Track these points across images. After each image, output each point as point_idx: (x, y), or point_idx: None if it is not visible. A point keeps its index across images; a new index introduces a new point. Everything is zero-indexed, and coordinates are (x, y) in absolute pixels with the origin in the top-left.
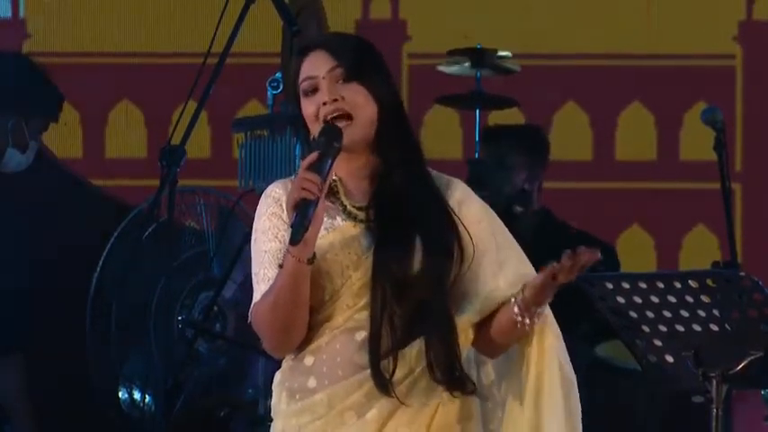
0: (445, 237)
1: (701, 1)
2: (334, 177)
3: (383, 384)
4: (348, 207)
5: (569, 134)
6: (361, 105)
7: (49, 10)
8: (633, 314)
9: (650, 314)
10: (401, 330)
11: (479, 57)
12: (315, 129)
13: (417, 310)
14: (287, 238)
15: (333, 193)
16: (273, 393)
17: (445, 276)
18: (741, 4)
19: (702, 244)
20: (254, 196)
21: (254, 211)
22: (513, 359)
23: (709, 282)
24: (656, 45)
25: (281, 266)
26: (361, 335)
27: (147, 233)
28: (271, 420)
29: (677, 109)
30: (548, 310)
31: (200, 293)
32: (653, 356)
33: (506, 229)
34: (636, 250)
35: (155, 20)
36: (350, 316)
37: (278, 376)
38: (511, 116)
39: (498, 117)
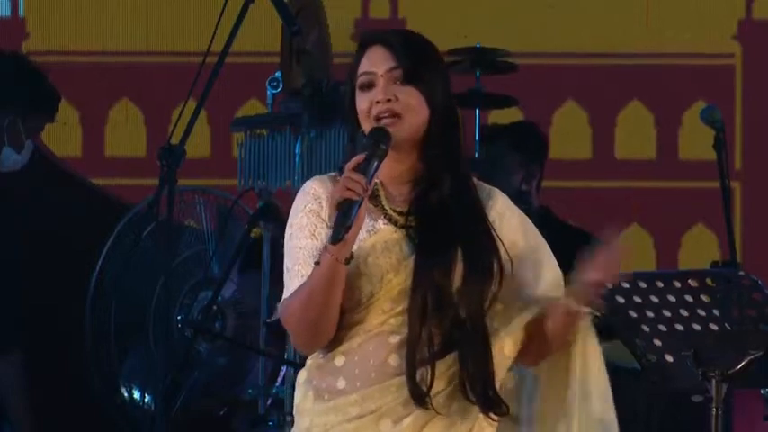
0: (487, 253)
1: (700, 0)
2: (375, 180)
3: (419, 395)
4: (389, 212)
5: (569, 133)
6: (414, 109)
7: (49, 9)
8: (633, 314)
9: (650, 313)
10: (438, 341)
11: (479, 56)
12: (365, 124)
13: (455, 323)
14: (323, 237)
15: (374, 197)
16: (297, 391)
17: (485, 293)
18: (740, 3)
19: (702, 243)
20: (253, 195)
21: (254, 211)
22: (553, 380)
23: (708, 281)
24: (655, 44)
25: (317, 263)
26: (396, 338)
27: (146, 232)
28: (271, 420)
29: (676, 108)
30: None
31: (200, 293)
32: (653, 356)
33: (545, 243)
34: (635, 249)
35: (154, 19)
36: (385, 320)
37: (303, 374)
38: (510, 115)
39: (498, 116)
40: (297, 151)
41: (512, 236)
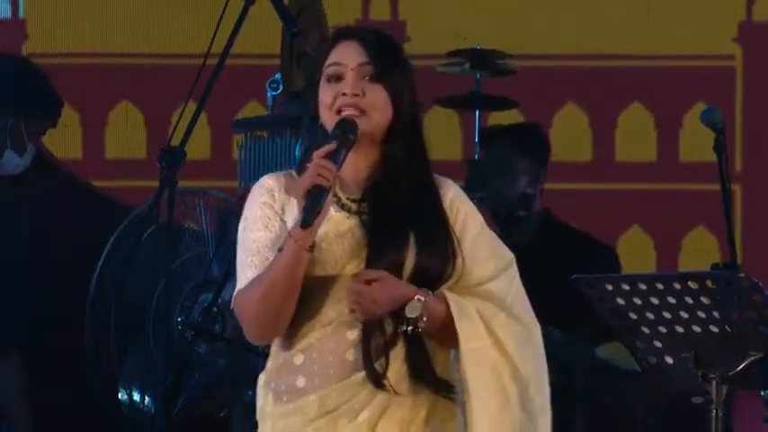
0: (440, 240)
1: (700, 2)
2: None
3: (376, 378)
4: (342, 199)
5: (569, 135)
6: (379, 107)
7: (49, 11)
8: (633, 315)
9: (650, 315)
10: (391, 328)
11: (479, 58)
12: (325, 115)
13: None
14: (277, 228)
15: None
16: (258, 396)
17: (436, 278)
18: (741, 4)
19: (702, 245)
20: None
21: None
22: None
23: (708, 283)
24: (655, 46)
25: (280, 250)
26: (353, 334)
27: (146, 234)
28: None
29: (677, 110)
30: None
31: (200, 295)
32: (653, 358)
33: (490, 239)
34: (635, 251)
35: (154, 21)
36: (341, 310)
37: (262, 378)
38: (510, 117)
39: (498, 118)
40: (297, 153)
41: (462, 224)
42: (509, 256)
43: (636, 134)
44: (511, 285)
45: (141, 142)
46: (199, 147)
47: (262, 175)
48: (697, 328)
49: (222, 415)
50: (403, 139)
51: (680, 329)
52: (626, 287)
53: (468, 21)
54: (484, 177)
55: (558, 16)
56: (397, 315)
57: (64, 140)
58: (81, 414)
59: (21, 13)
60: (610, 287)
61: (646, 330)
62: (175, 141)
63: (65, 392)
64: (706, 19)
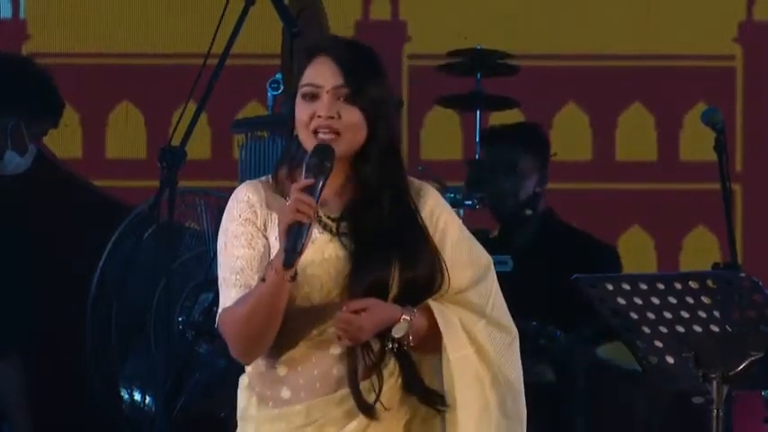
0: (423, 256)
1: (700, 2)
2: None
3: (366, 407)
4: (323, 218)
5: (569, 135)
6: (354, 128)
7: (50, 11)
8: (634, 315)
9: (651, 315)
10: (378, 348)
11: (479, 58)
12: (302, 133)
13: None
14: (260, 246)
15: None
16: (240, 396)
17: (422, 293)
18: (741, 4)
19: (703, 245)
20: None
21: None
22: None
23: (709, 283)
24: (655, 46)
25: (263, 280)
26: (337, 350)
27: (147, 234)
28: None
29: (677, 110)
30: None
31: (201, 295)
32: (654, 357)
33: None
34: (636, 251)
35: (155, 21)
36: (324, 329)
37: (245, 380)
38: (511, 117)
39: (498, 118)
40: None
41: (440, 231)
42: (487, 259)
43: (636, 134)
44: (490, 291)
45: (142, 142)
46: (199, 147)
47: (262, 174)
48: (698, 328)
49: (223, 415)
50: (378, 156)
51: (681, 329)
52: (627, 287)
53: (468, 20)
54: (487, 177)
55: (558, 16)
56: (383, 334)
57: (64, 140)
58: (81, 414)
59: (21, 14)
60: (611, 287)
61: (646, 330)
62: (176, 141)
63: (65, 392)
64: (706, 19)
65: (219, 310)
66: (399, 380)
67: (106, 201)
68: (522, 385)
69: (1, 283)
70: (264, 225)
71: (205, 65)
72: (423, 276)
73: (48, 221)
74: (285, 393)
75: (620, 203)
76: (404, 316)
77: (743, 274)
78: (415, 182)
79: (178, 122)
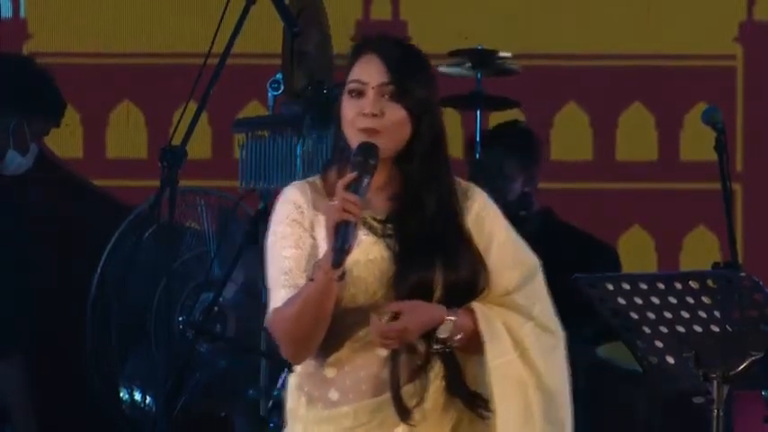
0: (467, 258)
1: (701, 1)
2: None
3: (405, 413)
4: (368, 220)
5: (570, 135)
6: (398, 126)
7: (51, 10)
8: (634, 315)
9: (651, 315)
10: (423, 351)
11: (480, 58)
12: (348, 130)
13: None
14: (308, 246)
15: None
16: (289, 397)
17: (466, 295)
18: (742, 4)
19: (703, 244)
20: (254, 197)
21: (254, 212)
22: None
23: (709, 282)
24: (656, 45)
25: (311, 280)
26: (384, 351)
27: (147, 234)
28: (272, 422)
29: (678, 109)
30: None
31: (201, 294)
32: (654, 357)
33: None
34: (636, 251)
35: (156, 20)
36: (369, 330)
37: (294, 379)
38: (512, 117)
39: (499, 118)
40: (298, 153)
41: (487, 235)
42: (534, 261)
43: (637, 134)
44: (537, 293)
45: (142, 142)
46: (200, 146)
47: (263, 175)
48: (698, 328)
49: (223, 415)
50: (422, 155)
51: (681, 329)
52: (627, 287)
53: (469, 20)
54: (479, 180)
55: (559, 16)
56: (428, 335)
57: (65, 140)
58: (82, 414)
59: (22, 13)
60: (611, 287)
61: (647, 330)
62: (176, 141)
63: (66, 393)
64: (707, 19)
65: (269, 311)
66: (443, 382)
67: (107, 200)
68: (568, 389)
69: (2, 283)
70: (311, 225)
71: (206, 64)
72: (465, 279)
73: (49, 221)
74: (333, 395)
75: (621, 203)
76: (448, 316)
77: (743, 274)
78: (462, 182)
79: (179, 122)
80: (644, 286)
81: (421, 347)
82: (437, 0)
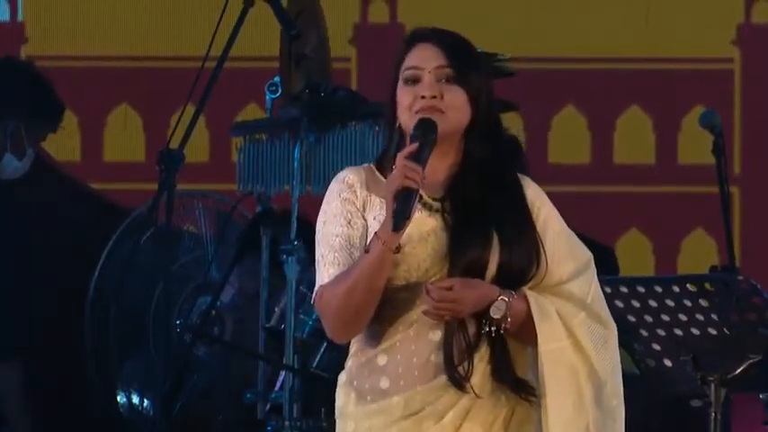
0: (524, 239)
1: (699, 4)
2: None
3: (458, 382)
4: (424, 197)
5: (567, 137)
6: (457, 108)
7: (48, 14)
8: (631, 318)
9: (648, 318)
10: (474, 331)
11: None
12: (404, 117)
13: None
14: (359, 226)
15: None
16: (339, 394)
17: (519, 278)
18: (739, 7)
19: (701, 248)
20: (252, 200)
21: (252, 215)
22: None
23: (707, 286)
24: (654, 49)
25: (367, 251)
26: (437, 335)
27: (145, 237)
28: (269, 425)
29: (675, 113)
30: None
31: (199, 297)
32: (651, 360)
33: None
34: (634, 254)
35: (153, 24)
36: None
37: (343, 376)
38: (510, 120)
39: None
40: (296, 156)
41: (539, 226)
42: (588, 255)
43: (634, 137)
44: (590, 285)
45: (140, 145)
46: (197, 150)
47: (260, 178)
48: (696, 331)
49: (220, 418)
50: (482, 138)
51: (678, 332)
52: (624, 290)
53: (467, 23)
54: None
55: (557, 19)
56: (480, 316)
57: (62, 143)
58: (80, 417)
59: (19, 16)
60: (608, 290)
61: (644, 333)
62: (174, 144)
63: (64, 395)
64: (704, 22)
65: (317, 287)
66: (489, 367)
67: (104, 204)
68: (620, 380)
69: (0, 286)
70: (363, 206)
71: (203, 67)
72: (519, 259)
73: (46, 224)
74: (384, 383)
75: (618, 206)
76: (502, 296)
77: (741, 277)
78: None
79: (176, 125)
80: (641, 289)
81: (471, 329)
82: (435, 3)
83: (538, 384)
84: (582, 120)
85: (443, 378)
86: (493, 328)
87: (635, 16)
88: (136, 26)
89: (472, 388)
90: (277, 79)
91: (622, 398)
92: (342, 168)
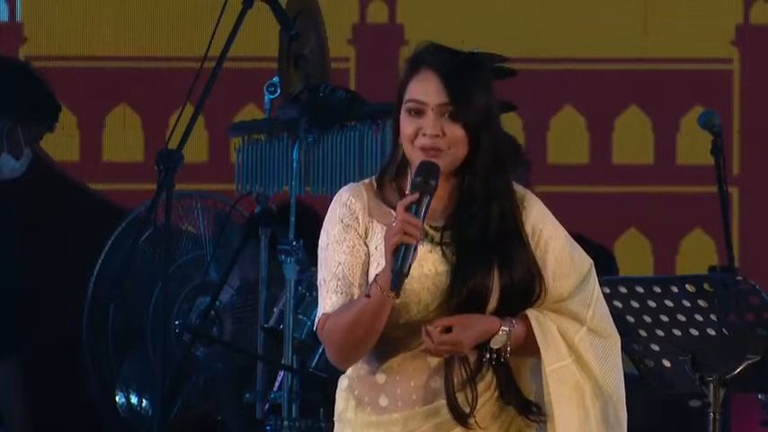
0: (524, 266)
1: (698, 5)
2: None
3: (462, 417)
4: (425, 227)
5: (566, 138)
6: (458, 144)
7: (47, 14)
8: (630, 318)
9: (647, 318)
10: (474, 360)
11: None
12: (407, 147)
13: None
14: (362, 254)
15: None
16: (339, 398)
17: (521, 303)
18: (738, 7)
19: (700, 248)
20: (251, 200)
21: (251, 216)
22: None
23: (706, 286)
24: (653, 49)
25: (367, 296)
26: (435, 360)
27: (143, 237)
28: (268, 425)
29: (674, 113)
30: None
31: (197, 298)
32: (650, 361)
33: (570, 251)
34: (633, 254)
35: (152, 24)
36: (422, 341)
37: (344, 381)
38: (508, 120)
39: None
40: (294, 156)
41: (541, 248)
42: (588, 263)
43: (633, 137)
44: (591, 297)
45: (139, 145)
46: (196, 150)
47: (259, 178)
48: (694, 332)
49: (219, 418)
50: (483, 168)
51: (677, 332)
52: (623, 290)
53: (465, 24)
54: None
55: (555, 20)
56: (481, 346)
57: (61, 143)
58: (79, 417)
59: (18, 17)
60: (607, 290)
61: (643, 333)
62: (173, 144)
63: (63, 396)
64: (703, 22)
65: (319, 314)
66: (496, 392)
67: (103, 204)
68: (623, 392)
69: None
70: (366, 232)
71: (202, 68)
72: (520, 283)
73: (44, 225)
74: (383, 401)
75: (617, 206)
76: (503, 327)
77: (740, 277)
78: (519, 190)
79: (175, 125)
80: (640, 290)
81: (472, 357)
82: (434, 3)
83: (543, 403)
84: (581, 120)
85: (440, 403)
86: (493, 356)
87: (634, 16)
88: (135, 26)
89: (477, 423)
90: (276, 79)
91: (625, 411)
92: (341, 168)
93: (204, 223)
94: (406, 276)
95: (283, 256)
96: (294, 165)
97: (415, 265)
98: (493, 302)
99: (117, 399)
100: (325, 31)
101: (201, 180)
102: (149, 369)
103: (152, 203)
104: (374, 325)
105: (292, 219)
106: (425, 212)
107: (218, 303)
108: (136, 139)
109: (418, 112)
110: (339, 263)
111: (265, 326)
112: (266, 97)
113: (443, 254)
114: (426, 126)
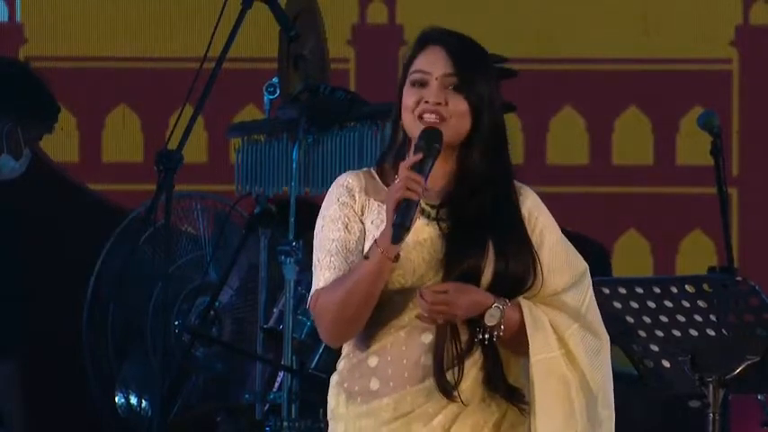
0: (520, 249)
1: (698, 5)
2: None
3: (446, 390)
4: (422, 204)
5: (566, 139)
6: (459, 116)
7: (47, 14)
8: (630, 319)
9: (647, 319)
10: (465, 338)
11: None
12: (407, 118)
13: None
14: (356, 230)
15: None
16: (330, 395)
17: (515, 288)
18: (738, 8)
19: (699, 249)
20: (250, 201)
21: (249, 216)
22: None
23: (705, 286)
24: (652, 49)
25: (366, 258)
26: (428, 338)
27: (143, 238)
28: (268, 426)
29: (674, 113)
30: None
31: (197, 298)
32: (650, 361)
33: (566, 248)
34: (632, 255)
35: (152, 24)
36: (415, 316)
37: (335, 378)
38: (508, 121)
39: None
40: (294, 157)
41: (536, 237)
42: (583, 266)
43: (633, 138)
44: (585, 295)
45: (138, 146)
46: (196, 150)
47: (259, 179)
48: (694, 332)
49: (219, 419)
50: (482, 146)
51: (677, 333)
52: (623, 291)
53: (465, 25)
54: None
55: (555, 20)
56: (474, 323)
57: (61, 144)
58: (79, 417)
59: (18, 17)
60: (607, 291)
61: (642, 334)
62: (172, 145)
63: (62, 396)
64: (703, 23)
65: (312, 291)
66: (482, 374)
67: (102, 204)
68: (611, 393)
69: None
70: (362, 210)
71: (202, 68)
72: (515, 269)
73: (44, 225)
74: (374, 384)
75: (617, 207)
76: (496, 303)
77: (739, 278)
78: (516, 183)
79: (175, 126)
80: (640, 290)
81: (464, 335)
82: (433, 4)
83: (528, 393)
84: (580, 121)
85: (432, 381)
86: (486, 336)
87: (633, 17)
88: (134, 27)
89: (459, 396)
90: (275, 80)
91: (613, 408)
92: (340, 169)
93: (204, 224)
94: (408, 231)
95: (283, 257)
96: (294, 165)
97: (411, 233)
98: (485, 283)
99: (117, 399)
100: (325, 31)
101: (201, 181)
102: (149, 369)
103: (152, 204)
104: (371, 290)
105: (292, 219)
106: (428, 173)
107: (217, 304)
108: (135, 139)
109: (422, 83)
110: (333, 240)
111: (265, 326)
112: (266, 98)
113: (440, 229)
114: (429, 94)
